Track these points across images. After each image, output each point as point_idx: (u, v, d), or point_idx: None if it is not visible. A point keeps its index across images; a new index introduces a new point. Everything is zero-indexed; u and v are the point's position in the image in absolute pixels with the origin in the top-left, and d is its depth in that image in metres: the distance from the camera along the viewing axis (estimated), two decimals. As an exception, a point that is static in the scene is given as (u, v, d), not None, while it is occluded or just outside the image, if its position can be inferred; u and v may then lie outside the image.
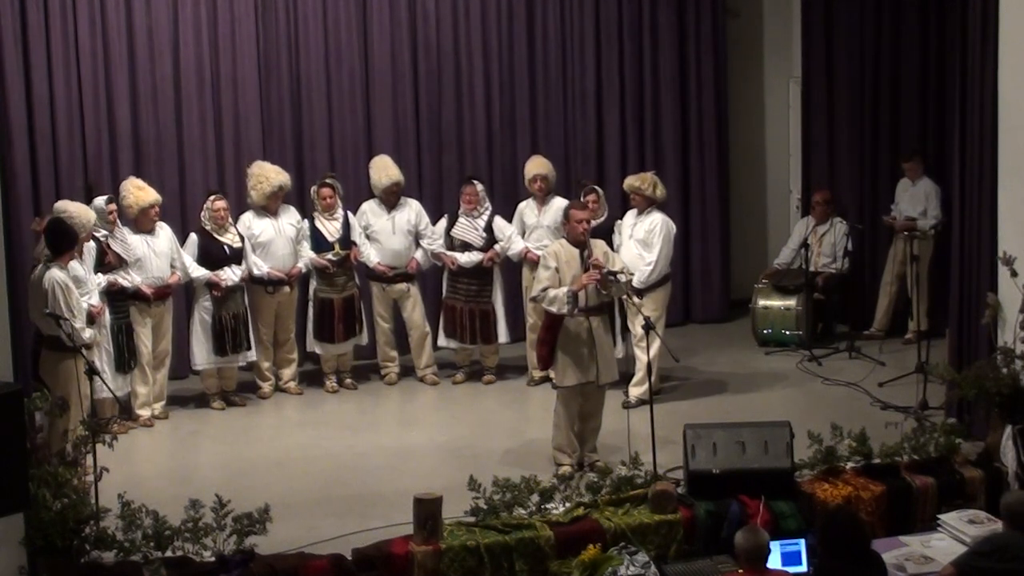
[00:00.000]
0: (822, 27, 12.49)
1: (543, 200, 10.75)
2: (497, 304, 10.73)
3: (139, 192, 9.86)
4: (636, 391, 9.76)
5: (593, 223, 9.11)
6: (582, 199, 9.98)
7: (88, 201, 9.54)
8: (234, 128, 11.07)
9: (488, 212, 10.69)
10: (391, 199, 10.68)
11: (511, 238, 10.67)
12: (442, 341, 10.85)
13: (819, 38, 12.53)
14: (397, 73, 11.54)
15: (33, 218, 9.91)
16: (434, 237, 10.73)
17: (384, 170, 10.71)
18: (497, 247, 10.63)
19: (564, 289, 8.32)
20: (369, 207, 10.77)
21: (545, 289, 8.36)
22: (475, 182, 10.70)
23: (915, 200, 11.48)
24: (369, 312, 10.88)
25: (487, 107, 11.89)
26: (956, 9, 9.11)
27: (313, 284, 10.59)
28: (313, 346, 10.66)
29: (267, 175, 10.36)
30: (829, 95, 12.49)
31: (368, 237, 10.69)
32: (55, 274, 8.40)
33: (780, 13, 13.26)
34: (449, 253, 10.64)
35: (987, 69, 8.56)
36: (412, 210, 10.77)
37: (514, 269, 11.03)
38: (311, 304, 10.59)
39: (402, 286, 10.76)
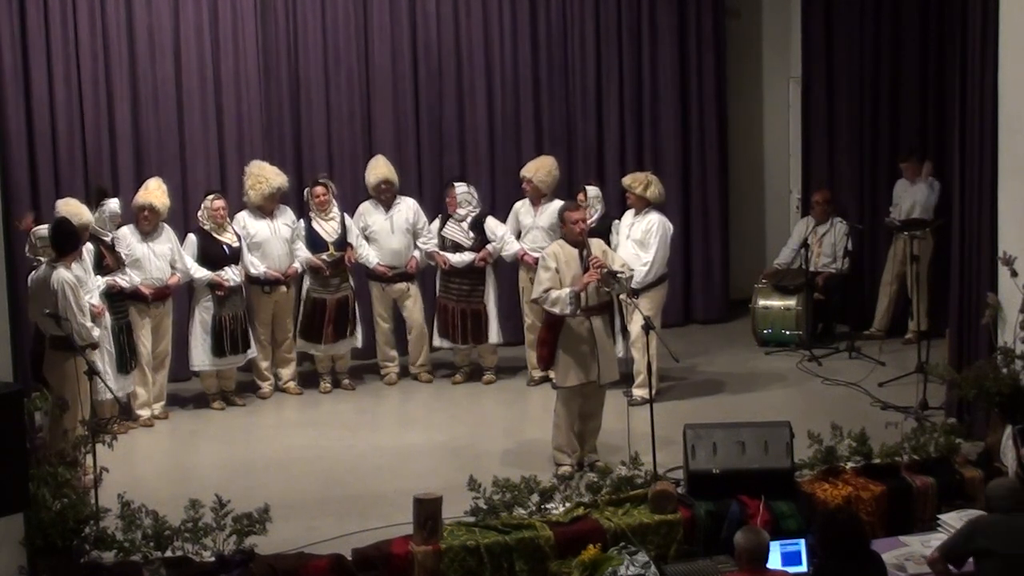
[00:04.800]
0: (822, 27, 12.50)
1: (538, 201, 10.74)
2: (489, 304, 10.71)
3: (142, 192, 9.89)
4: (639, 392, 9.75)
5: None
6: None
7: (98, 203, 9.53)
8: (235, 128, 11.08)
9: (474, 214, 10.66)
10: (384, 197, 10.69)
11: (504, 239, 10.66)
12: (436, 341, 10.86)
13: (819, 38, 12.54)
14: (397, 73, 11.54)
15: (20, 217, 9.82)
16: (429, 236, 10.73)
17: (374, 169, 10.73)
18: (489, 247, 10.63)
19: (567, 290, 8.30)
20: (366, 207, 10.77)
21: (547, 290, 8.35)
22: (455, 184, 10.69)
23: (916, 199, 11.48)
24: (368, 313, 10.88)
25: (488, 107, 11.89)
26: (956, 9, 9.11)
27: (307, 284, 10.58)
28: (301, 346, 10.63)
29: (267, 176, 10.36)
30: (829, 95, 12.49)
31: (367, 237, 10.69)
32: (63, 274, 8.40)
33: (780, 13, 13.28)
34: (441, 253, 10.64)
35: (987, 69, 8.56)
36: (410, 209, 10.78)
37: (510, 270, 11.02)
38: (302, 304, 10.57)
39: (402, 285, 10.76)
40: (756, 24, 13.43)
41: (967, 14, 8.82)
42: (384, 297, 10.81)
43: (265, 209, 10.38)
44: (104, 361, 9.12)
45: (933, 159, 11.57)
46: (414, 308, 10.82)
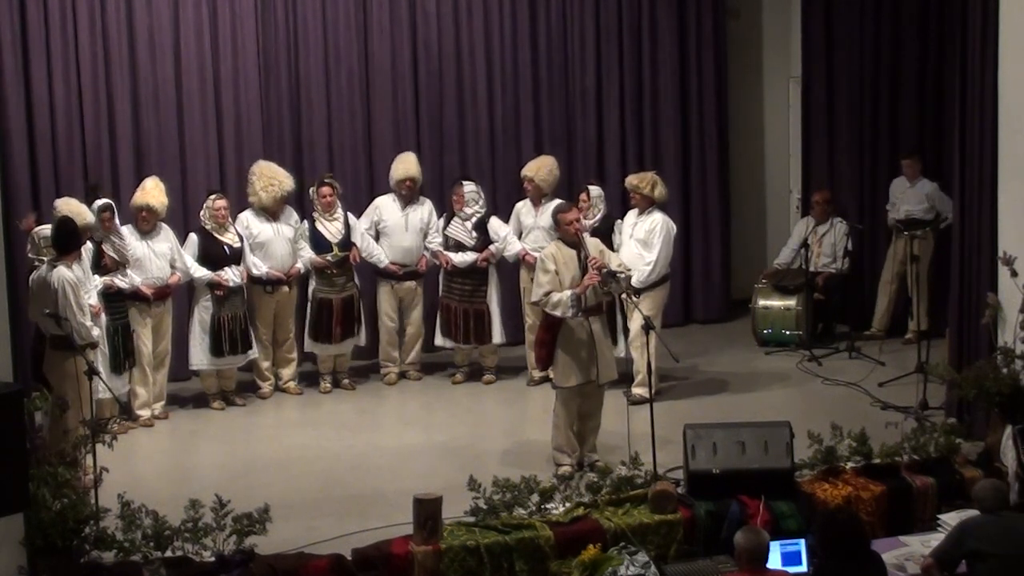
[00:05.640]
0: (822, 27, 12.50)
1: (539, 201, 10.74)
2: (492, 304, 10.72)
3: (138, 193, 9.89)
4: (638, 391, 9.75)
5: (585, 222, 9.10)
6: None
7: (90, 202, 9.54)
8: (235, 128, 11.08)
9: (479, 213, 10.67)
10: (404, 193, 10.68)
11: (507, 239, 10.66)
12: (439, 340, 10.86)
13: (819, 38, 12.54)
14: (397, 73, 11.54)
15: (22, 217, 9.80)
16: (435, 236, 10.74)
17: (402, 163, 10.74)
18: (492, 247, 10.63)
19: (568, 293, 8.29)
20: (384, 202, 10.78)
21: (548, 293, 8.34)
22: (464, 183, 10.69)
23: (917, 199, 11.48)
24: (370, 312, 10.88)
25: (489, 107, 11.89)
26: (956, 9, 9.11)
27: (312, 284, 10.59)
28: (310, 347, 10.66)
29: (280, 179, 10.37)
30: (829, 95, 12.50)
31: (379, 232, 10.69)
32: (64, 273, 8.39)
33: (780, 13, 13.28)
34: (444, 252, 10.65)
35: (987, 69, 8.57)
36: (426, 210, 10.79)
37: (512, 270, 11.02)
38: (309, 304, 10.59)
39: (411, 284, 10.77)
40: (756, 24, 13.44)
41: (967, 14, 8.82)
42: (392, 296, 10.80)
43: (271, 210, 10.38)
44: (98, 362, 9.09)
45: (931, 159, 11.58)
46: (415, 311, 10.82)
